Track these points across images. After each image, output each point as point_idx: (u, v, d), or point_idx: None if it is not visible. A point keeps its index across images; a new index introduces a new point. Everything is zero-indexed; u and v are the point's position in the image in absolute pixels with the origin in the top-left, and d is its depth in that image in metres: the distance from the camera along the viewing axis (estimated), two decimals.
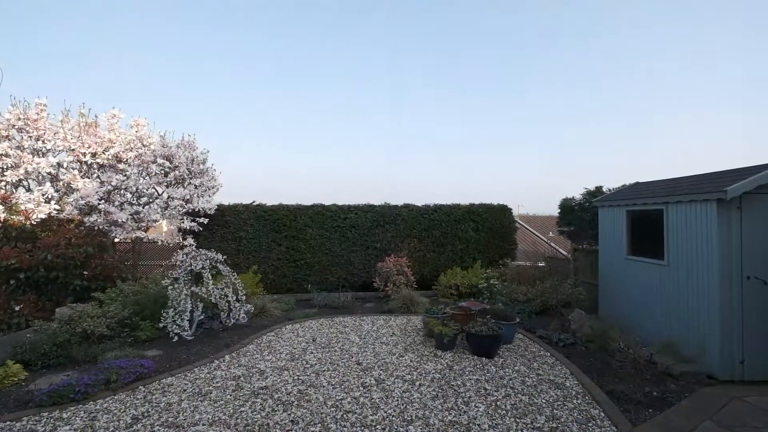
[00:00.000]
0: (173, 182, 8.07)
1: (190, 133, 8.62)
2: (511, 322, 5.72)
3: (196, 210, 8.49)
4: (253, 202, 9.78)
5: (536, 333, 6.23)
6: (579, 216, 9.03)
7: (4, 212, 6.33)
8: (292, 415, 3.64)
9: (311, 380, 4.41)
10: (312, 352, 5.29)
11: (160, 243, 9.27)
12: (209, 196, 8.98)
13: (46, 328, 5.09)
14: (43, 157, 6.83)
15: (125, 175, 7.33)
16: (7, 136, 6.73)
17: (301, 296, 8.92)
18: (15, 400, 3.92)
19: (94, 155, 7.13)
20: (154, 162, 7.70)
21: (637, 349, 5.31)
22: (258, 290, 8.56)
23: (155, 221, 7.68)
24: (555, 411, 3.78)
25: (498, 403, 3.93)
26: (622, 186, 7.96)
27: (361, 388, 4.21)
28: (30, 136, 6.80)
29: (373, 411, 3.72)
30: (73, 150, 6.96)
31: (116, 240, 7.50)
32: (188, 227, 8.38)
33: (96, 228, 7.07)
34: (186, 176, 8.45)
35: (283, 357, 5.12)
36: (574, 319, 6.22)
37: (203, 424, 3.47)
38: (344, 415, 3.64)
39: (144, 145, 8.14)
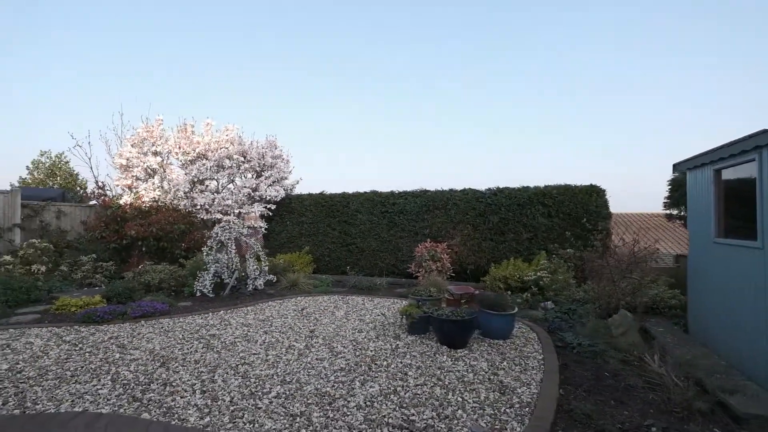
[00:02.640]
0: (245, 174, 9.65)
1: (272, 134, 10.14)
2: (503, 312, 4.56)
3: (265, 198, 9.89)
4: (323, 191, 10.71)
5: (558, 335, 4.76)
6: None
7: (131, 197, 8.95)
8: (201, 356, 3.93)
9: (253, 336, 4.61)
10: (286, 318, 5.48)
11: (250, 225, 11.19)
12: (280, 186, 10.30)
13: (124, 277, 6.90)
14: (154, 156, 9.31)
15: (206, 168, 9.23)
16: (139, 145, 9.49)
17: (343, 278, 9.20)
18: (77, 317, 5.49)
19: (184, 153, 9.26)
20: (228, 157, 9.43)
21: (697, 369, 3.51)
22: (308, 269, 9.30)
23: (229, 206, 9.36)
24: (458, 411, 2.89)
25: (399, 389, 3.26)
26: None
27: (283, 350, 4.16)
28: (149, 142, 9.40)
29: (265, 368, 3.65)
30: (171, 150, 9.24)
31: (204, 220, 9.47)
32: (257, 212, 9.85)
33: (186, 210, 9.14)
34: (257, 169, 9.97)
35: (260, 318, 5.48)
36: (614, 323, 4.47)
37: (140, 350, 4.12)
38: (238, 366, 3.70)
39: (232, 144, 10.03)
